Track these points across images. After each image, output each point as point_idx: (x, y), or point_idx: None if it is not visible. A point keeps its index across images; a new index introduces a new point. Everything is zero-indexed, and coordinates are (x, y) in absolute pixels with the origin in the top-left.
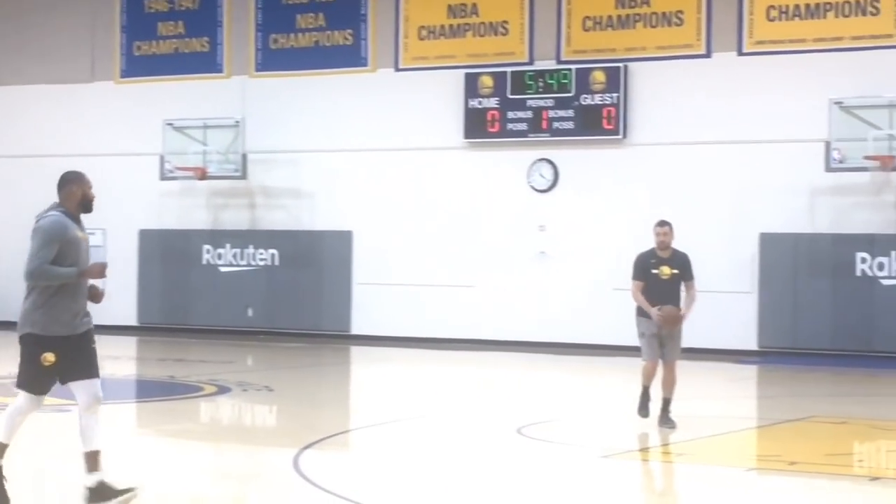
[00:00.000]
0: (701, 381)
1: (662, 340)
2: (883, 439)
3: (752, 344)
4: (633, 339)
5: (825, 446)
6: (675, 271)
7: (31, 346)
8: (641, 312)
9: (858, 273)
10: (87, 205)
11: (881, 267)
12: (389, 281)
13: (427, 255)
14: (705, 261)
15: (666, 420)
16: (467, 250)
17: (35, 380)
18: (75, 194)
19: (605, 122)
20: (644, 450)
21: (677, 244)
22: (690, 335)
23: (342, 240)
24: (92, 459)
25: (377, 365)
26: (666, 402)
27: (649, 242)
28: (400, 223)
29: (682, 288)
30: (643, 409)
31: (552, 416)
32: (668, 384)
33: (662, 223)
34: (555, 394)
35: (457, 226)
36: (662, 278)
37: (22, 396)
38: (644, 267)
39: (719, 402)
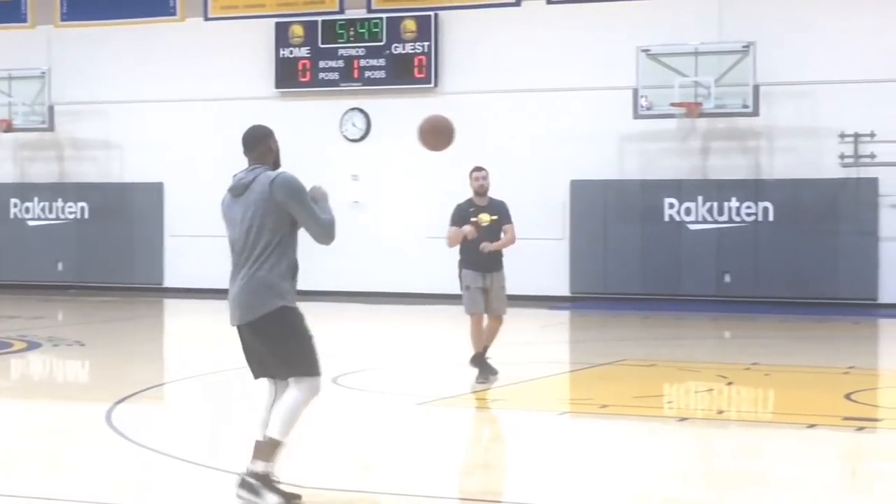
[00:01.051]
0: (514, 328)
1: (487, 294)
2: (691, 380)
3: (563, 290)
4: (450, 286)
5: (635, 389)
6: (495, 217)
7: (300, 320)
8: (465, 265)
9: (666, 218)
10: (277, 162)
11: (688, 212)
12: (202, 233)
13: None
14: (517, 208)
15: (489, 369)
16: None
17: (316, 355)
18: (273, 151)
19: (416, 70)
20: (459, 396)
21: (495, 193)
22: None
23: (153, 192)
24: None
25: (191, 318)
26: (484, 350)
27: (462, 190)
28: (212, 174)
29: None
30: (483, 378)
31: (368, 366)
32: (490, 333)
33: (479, 168)
34: (371, 343)
35: None
36: (482, 225)
37: (308, 384)
38: (463, 216)
39: (532, 347)
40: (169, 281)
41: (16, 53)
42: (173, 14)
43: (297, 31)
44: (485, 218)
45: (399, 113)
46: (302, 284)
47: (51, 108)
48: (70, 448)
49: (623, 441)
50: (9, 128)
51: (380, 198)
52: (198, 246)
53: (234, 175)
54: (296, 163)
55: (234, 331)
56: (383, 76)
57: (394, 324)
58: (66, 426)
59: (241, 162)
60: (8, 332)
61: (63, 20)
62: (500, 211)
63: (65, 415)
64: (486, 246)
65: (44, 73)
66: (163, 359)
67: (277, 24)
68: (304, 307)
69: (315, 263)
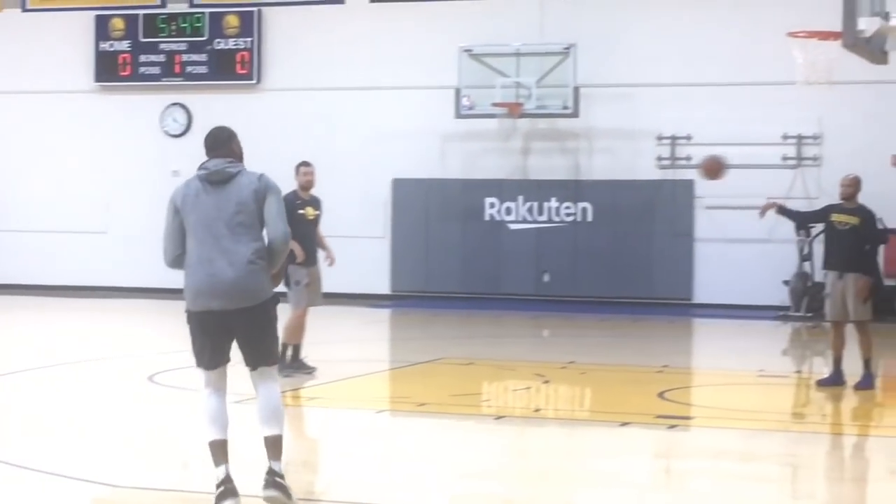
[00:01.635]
0: (335, 326)
1: (313, 287)
2: (508, 379)
3: (385, 288)
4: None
5: (453, 387)
6: (318, 212)
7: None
8: (294, 259)
9: (487, 217)
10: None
11: (508, 211)
12: (19, 227)
13: (58, 200)
14: (340, 206)
15: (301, 365)
16: (99, 196)
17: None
18: (238, 152)
19: (238, 66)
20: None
21: (317, 191)
22: (326, 280)
23: None
24: None
25: (6, 314)
26: (296, 349)
27: (285, 187)
28: (30, 167)
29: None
30: (305, 368)
31: (185, 364)
32: (301, 330)
33: (306, 163)
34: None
35: (89, 171)
36: (308, 219)
37: (275, 371)
38: (290, 207)
39: (352, 345)
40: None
41: None
42: None
43: (118, 24)
44: (310, 212)
45: (221, 108)
46: (124, 281)
47: None
48: None
49: (440, 439)
50: None
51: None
52: (15, 241)
53: (206, 165)
54: (115, 157)
55: (48, 327)
56: (205, 71)
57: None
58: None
59: (60, 152)
60: None
61: None
62: (321, 207)
63: None
64: (330, 259)
65: None
66: None
67: (97, 16)
68: (123, 305)
69: (136, 260)
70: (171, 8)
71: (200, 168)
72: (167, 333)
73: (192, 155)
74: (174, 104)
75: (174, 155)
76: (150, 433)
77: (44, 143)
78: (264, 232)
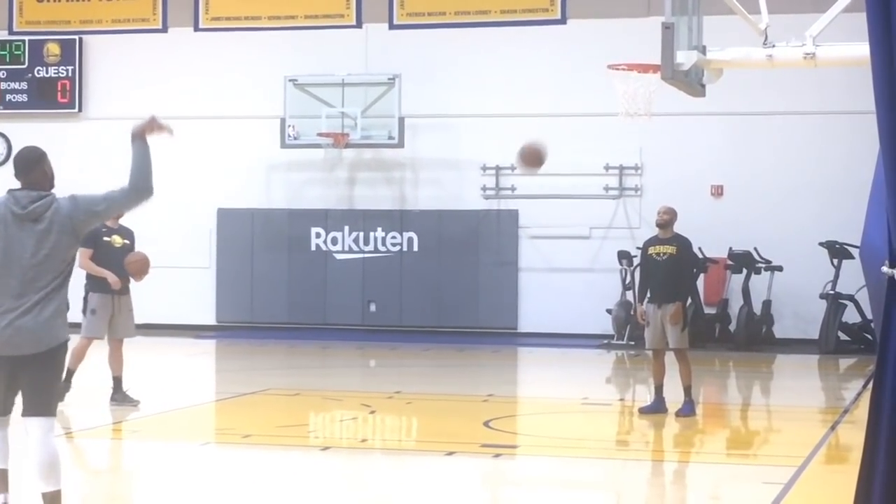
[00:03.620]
0: (158, 357)
1: (113, 317)
2: (335, 409)
3: (210, 318)
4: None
5: (279, 418)
6: (126, 241)
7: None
8: (94, 287)
9: (313, 248)
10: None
11: (335, 241)
12: None
13: None
14: (164, 236)
15: (125, 397)
16: None
17: None
18: (49, 175)
19: (59, 95)
20: (97, 427)
21: (142, 220)
22: (149, 310)
23: None
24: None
25: None
26: (117, 382)
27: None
28: None
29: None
30: (129, 400)
31: None
32: (117, 362)
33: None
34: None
35: None
36: (115, 246)
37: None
38: (95, 237)
39: (176, 377)
40: None
41: None
42: None
43: None
44: (117, 240)
45: (42, 137)
46: None
47: None
48: None
49: (266, 471)
50: None
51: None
52: None
53: (14, 195)
54: None
55: None
56: (25, 100)
57: None
58: None
59: None
60: None
61: None
62: (131, 237)
63: None
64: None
65: None
66: None
67: None
68: None
69: None
70: None
71: (11, 199)
72: None
73: (11, 184)
74: None
75: None
76: None
77: None
78: (64, 270)
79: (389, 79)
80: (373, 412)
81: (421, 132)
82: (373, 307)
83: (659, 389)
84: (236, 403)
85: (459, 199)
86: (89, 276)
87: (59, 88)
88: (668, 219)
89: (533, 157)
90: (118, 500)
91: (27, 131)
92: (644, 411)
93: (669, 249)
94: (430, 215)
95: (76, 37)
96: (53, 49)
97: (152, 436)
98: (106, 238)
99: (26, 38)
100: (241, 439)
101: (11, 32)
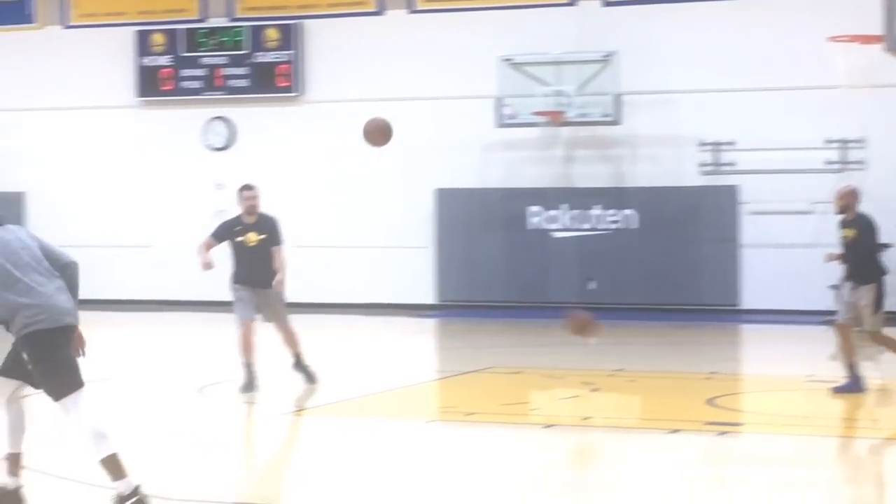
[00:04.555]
0: (381, 336)
1: (258, 304)
2: (556, 387)
3: (429, 298)
4: (314, 295)
5: (502, 396)
6: (263, 237)
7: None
8: (235, 278)
9: (530, 226)
10: None
11: (552, 220)
12: (66, 242)
13: (104, 215)
14: (383, 217)
15: (308, 374)
16: (144, 210)
17: None
18: None
19: (279, 79)
20: (325, 406)
21: (360, 202)
22: (370, 290)
23: (14, 201)
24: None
25: None
26: (297, 357)
27: (326, 198)
28: (75, 183)
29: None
30: (248, 387)
31: (232, 376)
32: (289, 342)
33: (248, 187)
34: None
35: (133, 185)
36: (249, 245)
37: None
38: (225, 233)
39: (399, 356)
40: None
41: None
42: (31, 22)
43: (159, 39)
44: (252, 238)
45: (263, 121)
46: (170, 295)
47: None
48: None
49: (490, 449)
50: None
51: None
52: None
53: None
54: (158, 172)
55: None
56: (246, 84)
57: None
58: None
59: (103, 168)
60: None
61: None
62: (269, 229)
63: None
64: (279, 284)
65: None
66: None
67: (138, 32)
68: (170, 318)
69: (180, 273)
70: (212, 22)
71: None
72: (219, 344)
73: (236, 167)
74: (216, 118)
75: (217, 168)
76: (200, 446)
77: (87, 159)
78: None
79: (604, 56)
80: (595, 390)
81: (637, 109)
82: (591, 285)
83: (852, 367)
84: (459, 382)
85: (677, 176)
86: (235, 267)
87: (279, 73)
88: (844, 203)
89: (377, 133)
90: (345, 476)
91: (248, 116)
92: (839, 391)
93: (851, 233)
94: (649, 192)
95: (295, 21)
96: (273, 34)
97: (377, 414)
98: (240, 238)
99: (247, 23)
100: (464, 417)
101: (232, 19)
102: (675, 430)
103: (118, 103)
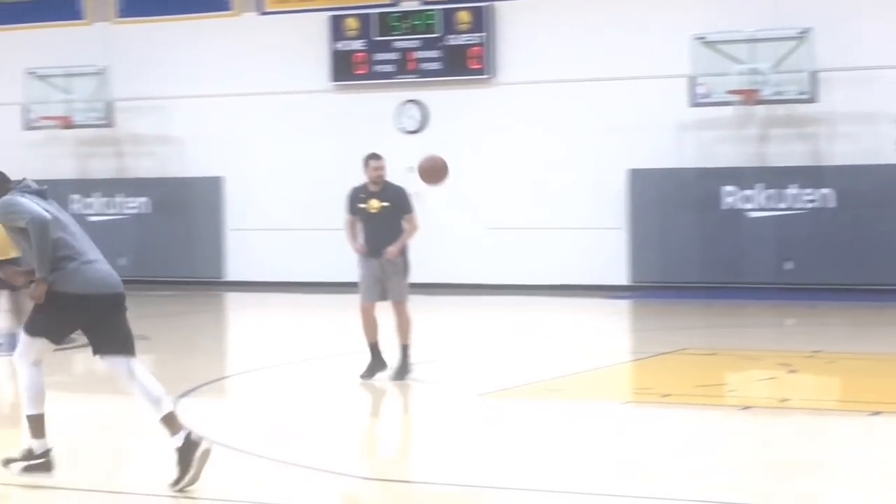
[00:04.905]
0: (573, 317)
1: (381, 278)
2: (752, 369)
3: (623, 279)
4: (512, 277)
5: (697, 377)
6: (385, 204)
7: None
8: (361, 249)
9: (725, 206)
10: None
11: (747, 199)
12: (262, 226)
13: (298, 199)
14: (575, 198)
15: (402, 369)
16: (338, 193)
17: None
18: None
19: (472, 61)
20: (520, 387)
21: (553, 184)
22: (563, 271)
23: (212, 186)
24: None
25: (252, 311)
26: (404, 350)
27: (524, 178)
28: (270, 168)
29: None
30: (369, 372)
31: (427, 357)
32: (400, 328)
33: (376, 157)
34: (429, 334)
35: (327, 169)
36: (371, 212)
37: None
38: (353, 201)
39: (592, 337)
40: (229, 275)
41: (73, 51)
42: (229, 8)
43: (352, 24)
44: (374, 204)
45: (456, 104)
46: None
47: (109, 105)
48: (137, 443)
49: (686, 430)
50: (69, 125)
51: (437, 189)
52: (258, 239)
53: (27, 182)
54: (352, 155)
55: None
56: (439, 68)
57: (453, 314)
58: (128, 420)
59: (297, 152)
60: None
61: (119, 16)
62: (395, 198)
63: (127, 409)
64: (388, 252)
65: (101, 69)
66: (225, 352)
67: (332, 17)
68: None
69: None
70: (404, 6)
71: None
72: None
73: (427, 151)
74: (409, 101)
75: (410, 151)
76: (394, 427)
77: (282, 144)
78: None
79: (800, 33)
80: (792, 371)
81: (834, 86)
82: (788, 265)
83: None
84: (654, 363)
85: (875, 154)
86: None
87: (471, 55)
88: None
89: (433, 172)
90: (547, 457)
91: (441, 99)
92: None
93: None
94: (846, 171)
95: (486, 4)
96: (464, 17)
97: (573, 395)
98: (362, 205)
99: (438, 7)
100: (659, 398)
101: (424, 2)
102: (877, 413)
103: (312, 88)
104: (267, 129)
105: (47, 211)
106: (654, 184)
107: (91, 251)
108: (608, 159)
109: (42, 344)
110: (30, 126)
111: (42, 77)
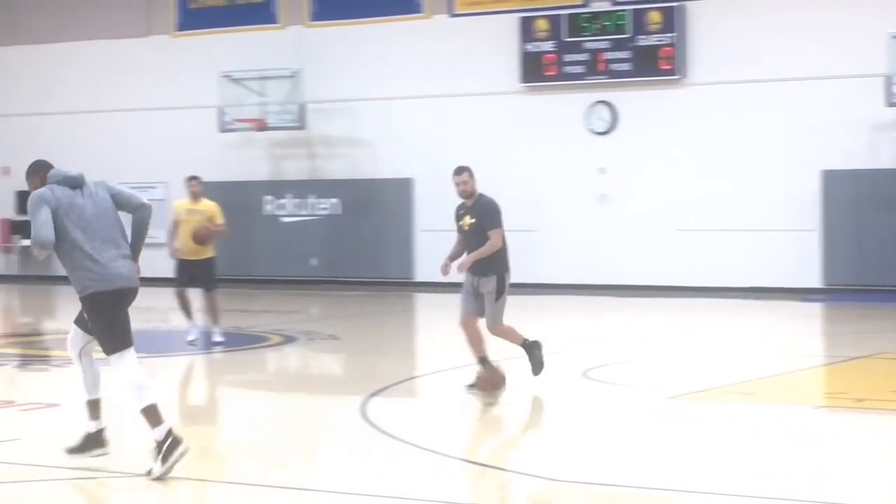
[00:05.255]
0: (765, 319)
1: (480, 297)
2: None
3: (816, 282)
4: (696, 279)
5: (892, 382)
6: (473, 220)
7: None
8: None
9: None
10: None
11: None
12: (452, 227)
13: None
14: (766, 200)
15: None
16: (528, 195)
17: None
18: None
19: (662, 62)
20: (711, 390)
21: (744, 185)
22: (754, 274)
23: (403, 187)
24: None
25: (441, 311)
26: (482, 360)
27: (708, 181)
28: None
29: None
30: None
31: (619, 359)
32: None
33: (459, 171)
34: (619, 336)
35: (516, 170)
36: (465, 230)
37: None
38: (455, 218)
39: (784, 340)
40: (419, 275)
41: (268, 54)
42: (419, 11)
43: (542, 25)
44: (466, 221)
45: (646, 105)
46: (553, 278)
47: (302, 107)
48: (325, 441)
49: (881, 435)
50: (262, 127)
51: (627, 191)
52: (447, 240)
53: (59, 171)
54: (541, 156)
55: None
56: (629, 68)
57: (643, 316)
58: (321, 419)
59: (489, 155)
60: (264, 326)
61: (312, 20)
62: (481, 213)
63: (320, 407)
64: (462, 265)
65: (294, 72)
66: (414, 352)
67: (522, 18)
68: (554, 301)
69: (564, 257)
70: (594, 7)
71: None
72: (603, 327)
73: (618, 151)
74: (599, 102)
75: (599, 152)
76: (581, 428)
77: (472, 145)
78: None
79: None
80: None
81: None
82: None
83: None
84: (848, 367)
85: None
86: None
87: (662, 56)
88: None
89: (492, 384)
90: (736, 462)
91: (631, 100)
92: None
93: None
94: None
95: (677, 4)
96: (655, 17)
97: (765, 398)
98: (459, 222)
99: (628, 7)
100: (854, 403)
101: (615, 3)
102: None
103: (502, 89)
104: (456, 131)
105: (69, 205)
106: (848, 185)
107: (105, 249)
108: (801, 160)
109: (83, 337)
110: (225, 128)
111: (237, 80)
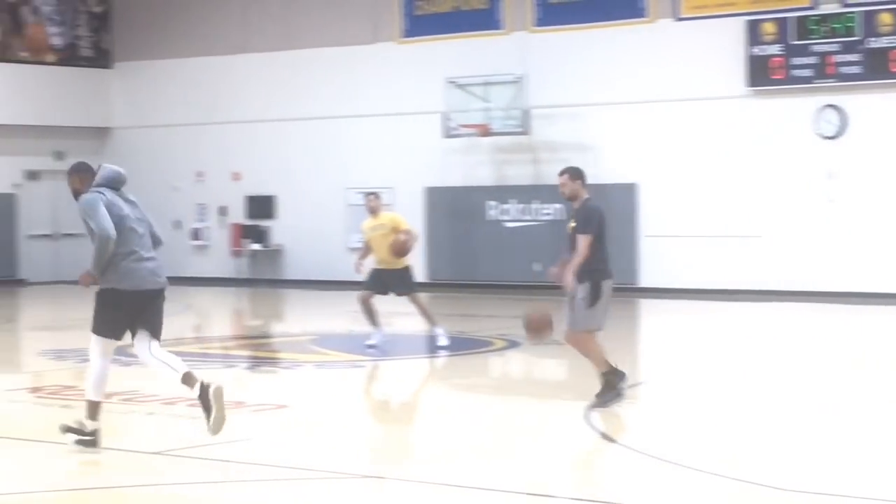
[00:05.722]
0: None
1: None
2: None
3: None
4: None
5: None
6: (573, 225)
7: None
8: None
9: None
10: None
11: None
12: (676, 233)
13: (713, 205)
14: None
15: (604, 398)
16: (754, 200)
17: None
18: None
19: (893, 65)
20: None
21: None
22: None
23: (627, 192)
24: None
25: (666, 317)
26: (602, 377)
27: None
28: (685, 174)
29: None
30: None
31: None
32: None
33: (561, 172)
34: (866, 346)
35: (742, 175)
36: (568, 233)
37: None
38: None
39: None
40: (644, 280)
41: (492, 60)
42: (644, 16)
43: (769, 28)
44: (571, 225)
45: (877, 109)
46: (780, 285)
47: (526, 112)
48: (548, 446)
49: None
50: (486, 132)
51: (857, 197)
52: (672, 245)
53: (104, 173)
54: (767, 161)
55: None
56: (859, 72)
57: (876, 326)
58: (544, 424)
59: (714, 160)
60: (488, 331)
61: (536, 25)
62: (577, 218)
63: (543, 412)
64: (555, 274)
65: (519, 78)
66: (639, 358)
67: (748, 22)
68: (784, 308)
69: (791, 263)
70: (823, 9)
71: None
72: (841, 335)
73: (847, 156)
74: (827, 105)
75: (828, 157)
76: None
77: (697, 150)
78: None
79: None
80: None
81: None
82: None
83: None
84: None
85: None
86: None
87: (892, 58)
88: None
89: (539, 326)
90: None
91: (861, 103)
92: None
93: None
94: None
95: None
96: (886, 19)
97: None
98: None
99: (858, 9)
100: None
101: (844, 5)
102: None
103: (728, 93)
104: (681, 135)
105: (120, 208)
106: None
107: (144, 249)
108: None
109: (104, 343)
110: (449, 134)
111: (461, 86)
